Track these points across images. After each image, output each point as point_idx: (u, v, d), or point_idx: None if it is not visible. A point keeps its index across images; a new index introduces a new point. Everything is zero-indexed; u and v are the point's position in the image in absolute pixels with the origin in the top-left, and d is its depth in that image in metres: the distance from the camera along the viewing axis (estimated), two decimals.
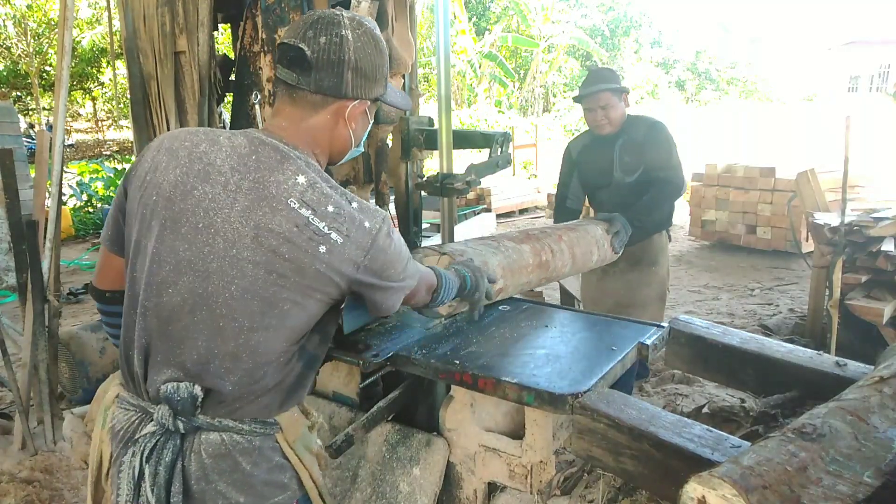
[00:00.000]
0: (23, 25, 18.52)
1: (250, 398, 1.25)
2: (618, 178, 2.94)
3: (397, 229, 1.38)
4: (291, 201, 1.20)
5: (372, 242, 1.25)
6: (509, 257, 2.12)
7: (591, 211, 3.37)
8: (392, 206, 2.87)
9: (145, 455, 1.19)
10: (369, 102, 1.36)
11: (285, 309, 1.21)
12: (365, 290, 1.29)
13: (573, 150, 3.19)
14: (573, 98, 3.43)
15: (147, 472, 1.18)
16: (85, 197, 10.19)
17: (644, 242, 2.98)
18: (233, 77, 2.53)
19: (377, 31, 1.34)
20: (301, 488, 1.33)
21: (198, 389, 1.20)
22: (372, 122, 1.45)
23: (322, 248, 1.21)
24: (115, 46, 4.17)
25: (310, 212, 1.21)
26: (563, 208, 3.24)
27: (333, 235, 1.21)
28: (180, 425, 1.20)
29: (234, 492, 1.23)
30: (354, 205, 1.26)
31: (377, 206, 1.30)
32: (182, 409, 1.20)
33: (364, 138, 1.44)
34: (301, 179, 1.23)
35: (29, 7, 17.85)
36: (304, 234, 1.20)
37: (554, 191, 10.23)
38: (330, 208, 1.22)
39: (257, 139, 1.27)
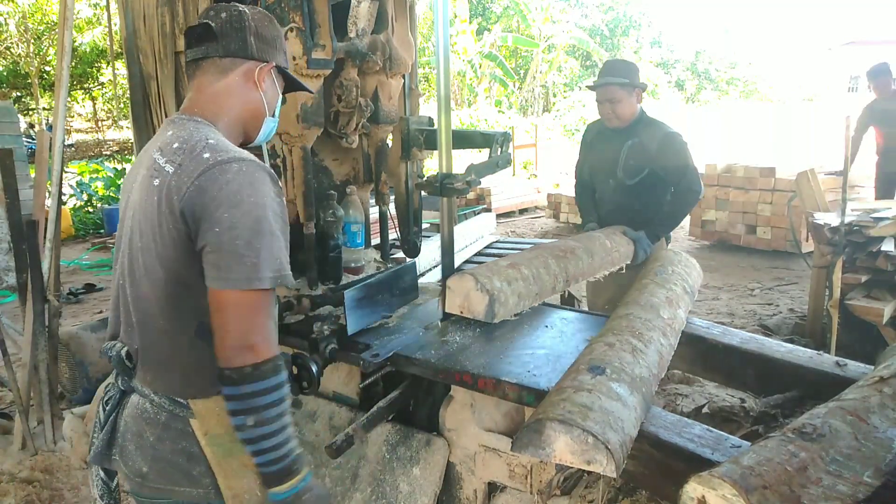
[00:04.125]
0: (24, 25, 18.51)
1: (158, 370, 1.29)
2: (619, 178, 2.94)
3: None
4: (153, 151, 1.28)
5: (203, 171, 1.20)
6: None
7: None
8: (392, 206, 2.87)
9: (103, 405, 1.40)
10: (275, 68, 1.43)
11: (158, 269, 1.23)
12: (195, 240, 1.20)
13: (588, 133, 3.22)
14: (586, 86, 3.47)
15: (100, 418, 1.40)
16: (85, 197, 10.19)
17: None
18: None
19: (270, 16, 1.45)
20: (219, 495, 1.30)
21: (124, 351, 1.31)
22: (281, 95, 1.49)
23: (156, 182, 1.23)
24: (115, 46, 4.17)
25: (158, 153, 1.26)
26: (584, 187, 3.24)
27: (167, 167, 1.23)
28: (120, 383, 1.37)
29: (139, 457, 1.31)
30: (211, 141, 1.24)
31: (252, 155, 1.27)
32: (119, 369, 1.33)
33: (277, 109, 1.47)
34: (169, 133, 1.28)
35: (33, 7, 17.85)
36: (149, 175, 1.25)
37: (554, 191, 10.26)
38: (175, 144, 1.25)
39: (170, 121, 1.35)
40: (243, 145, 1.45)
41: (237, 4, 1.38)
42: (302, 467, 1.25)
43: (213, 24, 1.34)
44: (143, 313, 1.28)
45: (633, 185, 2.90)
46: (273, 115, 1.46)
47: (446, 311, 2.00)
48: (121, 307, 1.34)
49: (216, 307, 1.19)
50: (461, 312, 1.94)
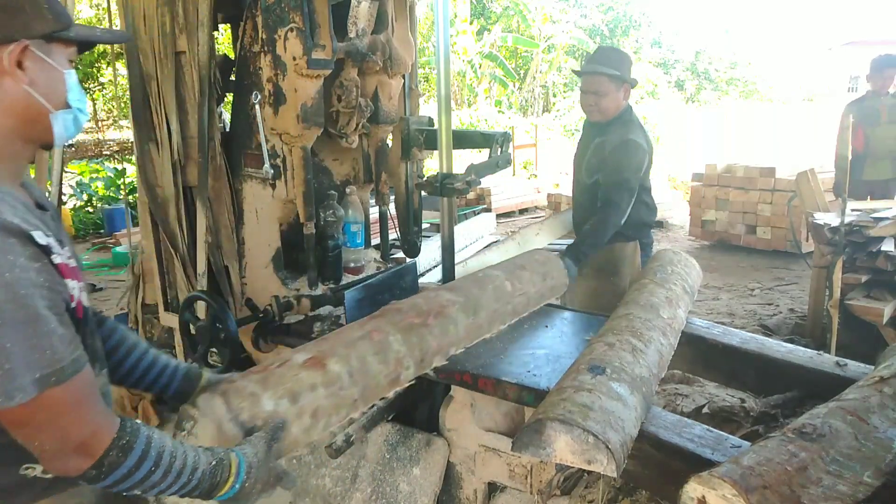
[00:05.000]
0: None
1: None
2: (582, 176, 2.79)
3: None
4: None
5: None
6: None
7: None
8: (392, 206, 2.87)
9: None
10: (39, 42, 1.03)
11: None
12: None
13: (584, 124, 3.04)
14: (572, 70, 3.38)
15: None
16: (85, 197, 10.20)
17: (606, 251, 2.70)
18: (233, 77, 2.53)
19: None
20: None
21: None
22: (67, 71, 1.08)
23: None
24: (116, 46, 4.17)
25: None
26: None
27: None
28: None
29: None
30: None
31: None
32: None
33: (71, 93, 1.09)
34: None
35: None
36: None
37: (554, 191, 10.25)
38: None
39: None
40: (45, 148, 1.13)
41: None
42: (228, 475, 1.09)
43: None
44: None
45: (589, 184, 2.74)
46: (67, 106, 1.08)
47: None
48: None
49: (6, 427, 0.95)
50: None
